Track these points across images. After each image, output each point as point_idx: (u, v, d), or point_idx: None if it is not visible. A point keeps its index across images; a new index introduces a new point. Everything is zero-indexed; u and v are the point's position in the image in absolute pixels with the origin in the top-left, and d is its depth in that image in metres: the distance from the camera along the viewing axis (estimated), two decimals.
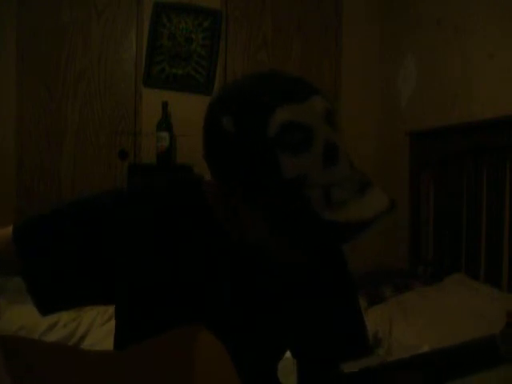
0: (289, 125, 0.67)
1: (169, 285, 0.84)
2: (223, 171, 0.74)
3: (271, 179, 0.68)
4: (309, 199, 0.66)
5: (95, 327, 2.19)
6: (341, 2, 3.25)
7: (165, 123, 3.00)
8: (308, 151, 0.67)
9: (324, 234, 0.69)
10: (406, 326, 1.90)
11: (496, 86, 2.11)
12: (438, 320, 1.85)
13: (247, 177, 0.70)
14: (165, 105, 3.02)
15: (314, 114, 0.69)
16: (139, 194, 0.87)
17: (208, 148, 0.76)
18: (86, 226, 0.83)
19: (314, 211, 0.66)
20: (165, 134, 2.98)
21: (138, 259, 0.83)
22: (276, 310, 0.89)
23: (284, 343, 0.96)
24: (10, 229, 0.85)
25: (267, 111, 0.68)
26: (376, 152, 3.12)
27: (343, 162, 0.69)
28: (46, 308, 0.85)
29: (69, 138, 3.09)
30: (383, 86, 3.20)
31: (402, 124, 2.89)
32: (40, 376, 0.82)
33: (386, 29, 3.19)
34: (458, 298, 1.95)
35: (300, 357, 0.99)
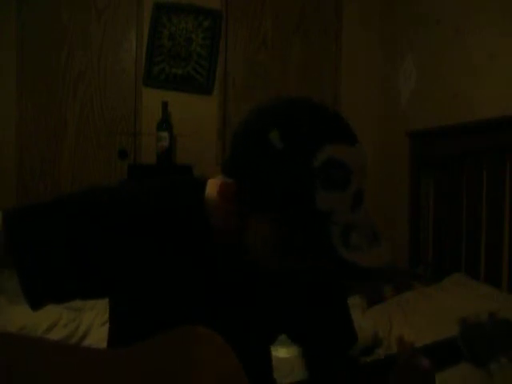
0: (334, 161, 0.72)
1: (164, 284, 0.85)
2: (253, 177, 0.75)
3: (304, 206, 0.72)
4: (329, 233, 0.72)
5: (95, 327, 2.19)
6: (341, 3, 3.25)
7: (165, 123, 3.00)
8: (343, 190, 0.73)
9: (335, 268, 0.77)
10: (406, 326, 1.90)
11: (496, 86, 2.11)
12: (438, 320, 1.85)
13: (280, 194, 0.73)
14: (165, 105, 3.02)
15: (357, 158, 0.75)
16: (137, 193, 0.87)
17: (242, 151, 0.77)
18: (81, 222, 0.82)
19: (331, 245, 0.72)
20: (165, 134, 2.98)
21: (133, 258, 0.83)
22: (266, 308, 0.91)
23: (276, 331, 0.99)
24: None
25: (319, 143, 0.72)
26: (376, 152, 3.12)
27: (364, 210, 0.76)
28: (36, 300, 0.83)
29: (69, 138, 3.09)
30: (383, 86, 3.20)
31: (402, 124, 2.89)
32: (39, 374, 0.82)
33: (386, 29, 3.19)
34: (458, 297, 1.95)
35: (297, 342, 1.02)
